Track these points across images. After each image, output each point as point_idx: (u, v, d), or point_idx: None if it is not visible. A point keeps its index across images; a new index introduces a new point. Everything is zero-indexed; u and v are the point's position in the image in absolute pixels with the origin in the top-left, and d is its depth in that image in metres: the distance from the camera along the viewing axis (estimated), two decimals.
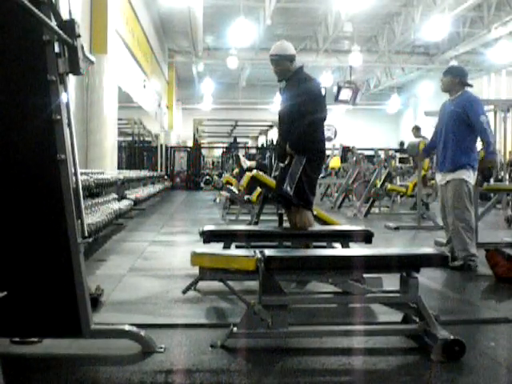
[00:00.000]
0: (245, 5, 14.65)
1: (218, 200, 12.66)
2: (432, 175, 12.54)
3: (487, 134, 4.86)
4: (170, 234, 7.63)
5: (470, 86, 5.20)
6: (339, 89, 17.66)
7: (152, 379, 2.45)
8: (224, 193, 9.92)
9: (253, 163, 13.65)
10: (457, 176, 4.93)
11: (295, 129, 4.35)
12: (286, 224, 5.85)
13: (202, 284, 3.99)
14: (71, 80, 6.46)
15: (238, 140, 28.58)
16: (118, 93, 9.44)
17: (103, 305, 3.62)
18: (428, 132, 7.94)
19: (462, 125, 4.95)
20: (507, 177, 13.55)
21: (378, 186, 10.66)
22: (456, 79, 5.09)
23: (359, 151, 14.25)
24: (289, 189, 4.28)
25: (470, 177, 4.95)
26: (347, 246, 4.34)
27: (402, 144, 18.25)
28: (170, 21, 17.19)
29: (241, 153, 21.77)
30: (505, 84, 21.35)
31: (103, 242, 6.53)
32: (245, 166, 12.43)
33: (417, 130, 12.74)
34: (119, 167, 11.35)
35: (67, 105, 2.64)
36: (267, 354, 2.78)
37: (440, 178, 5.19)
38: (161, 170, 19.82)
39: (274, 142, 22.46)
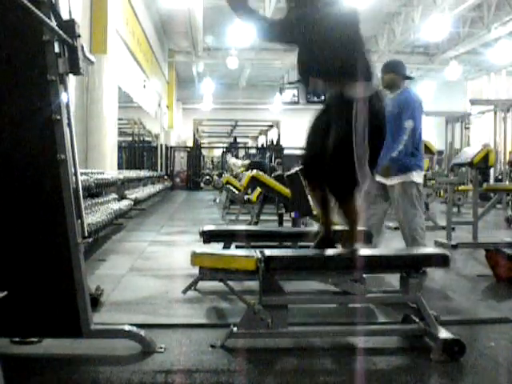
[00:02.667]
0: None
1: (217, 200, 12.62)
2: (432, 175, 12.56)
3: (400, 139, 4.60)
4: (169, 234, 7.63)
5: (411, 78, 5.02)
6: None
7: (152, 379, 2.45)
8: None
9: (245, 162, 13.18)
10: (405, 179, 4.69)
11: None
12: (286, 224, 5.80)
13: (202, 284, 3.99)
14: (71, 80, 6.46)
15: (238, 140, 28.58)
16: (118, 93, 9.44)
17: (103, 305, 3.62)
18: (428, 133, 7.92)
19: (402, 126, 4.67)
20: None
21: None
22: (399, 76, 4.84)
23: None
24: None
25: (419, 177, 4.74)
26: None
27: None
28: (170, 21, 17.18)
29: (229, 155, 20.31)
30: (505, 84, 21.35)
31: (103, 242, 6.52)
32: (236, 170, 12.00)
33: None
34: (119, 167, 11.34)
35: (67, 105, 2.65)
36: (267, 354, 2.78)
37: (385, 180, 4.82)
38: (161, 170, 19.81)
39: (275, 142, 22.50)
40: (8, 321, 2.61)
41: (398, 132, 4.63)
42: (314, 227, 5.39)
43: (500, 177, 13.40)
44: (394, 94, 4.80)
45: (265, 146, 25.01)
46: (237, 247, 4.51)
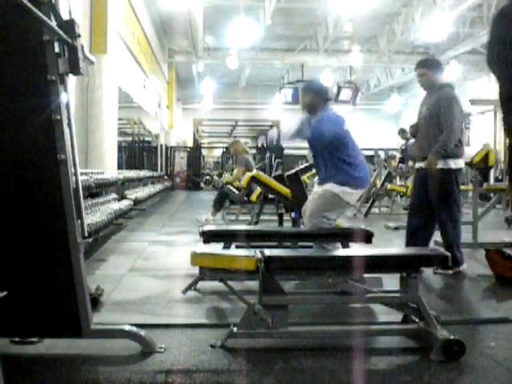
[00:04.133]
0: (245, 5, 14.63)
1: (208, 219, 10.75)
2: None
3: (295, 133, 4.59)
4: (170, 234, 7.63)
5: (330, 99, 4.72)
6: (339, 89, 17.68)
7: (152, 379, 2.45)
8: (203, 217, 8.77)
9: (226, 178, 11.32)
10: (325, 187, 4.39)
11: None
12: (286, 224, 5.78)
13: (202, 284, 3.99)
14: (71, 80, 6.46)
15: None
16: (118, 93, 9.44)
17: (103, 305, 3.62)
18: None
19: (323, 146, 4.43)
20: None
21: (378, 186, 10.65)
22: (318, 99, 4.49)
23: None
24: None
25: (343, 192, 4.32)
26: (347, 246, 4.34)
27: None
28: (170, 21, 17.17)
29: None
30: None
31: (103, 242, 6.52)
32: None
33: (403, 132, 12.78)
34: (119, 167, 11.33)
35: (67, 105, 2.64)
36: (267, 354, 2.78)
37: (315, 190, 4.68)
38: (161, 170, 19.80)
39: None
40: (8, 321, 2.61)
41: (329, 150, 4.40)
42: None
43: (500, 177, 13.40)
44: (315, 116, 4.51)
45: (265, 145, 24.96)
46: (237, 247, 4.51)
